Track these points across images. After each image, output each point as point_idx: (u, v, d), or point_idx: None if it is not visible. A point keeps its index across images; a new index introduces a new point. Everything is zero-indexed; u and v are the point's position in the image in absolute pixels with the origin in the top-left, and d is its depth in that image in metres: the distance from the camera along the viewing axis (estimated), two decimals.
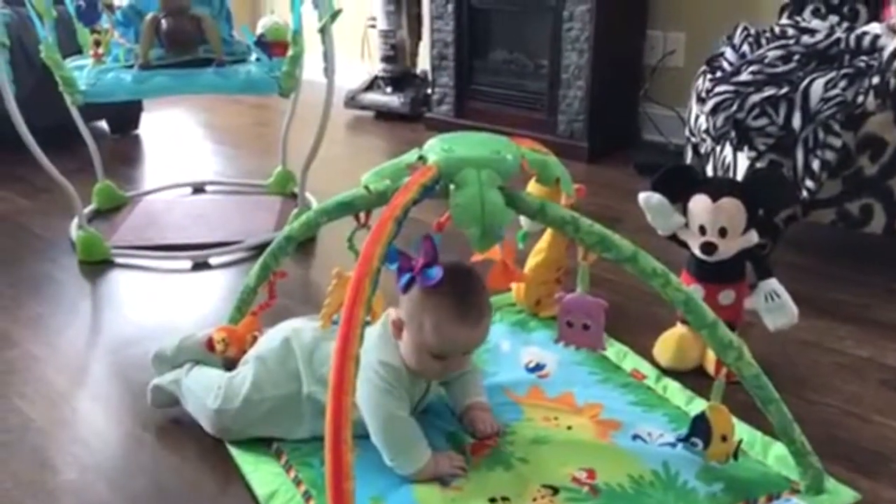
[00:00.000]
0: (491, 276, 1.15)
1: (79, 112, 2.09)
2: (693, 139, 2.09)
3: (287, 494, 1.10)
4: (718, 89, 1.78)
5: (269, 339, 1.27)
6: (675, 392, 1.35)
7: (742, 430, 1.20)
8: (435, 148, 1.08)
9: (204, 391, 1.24)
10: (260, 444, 1.21)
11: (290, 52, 1.84)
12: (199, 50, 1.90)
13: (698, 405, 1.28)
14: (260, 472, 1.15)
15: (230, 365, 1.30)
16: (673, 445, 1.19)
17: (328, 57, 1.85)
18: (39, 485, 1.16)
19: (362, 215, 1.22)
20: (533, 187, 1.42)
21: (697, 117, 1.99)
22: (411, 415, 1.15)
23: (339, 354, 0.90)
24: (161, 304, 1.75)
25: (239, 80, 1.86)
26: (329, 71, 1.86)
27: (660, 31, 2.91)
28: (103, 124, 3.12)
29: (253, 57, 2.02)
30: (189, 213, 2.25)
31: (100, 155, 2.27)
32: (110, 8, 2.01)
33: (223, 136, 3.26)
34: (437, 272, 1.03)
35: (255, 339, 1.31)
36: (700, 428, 1.13)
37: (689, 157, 2.16)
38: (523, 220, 1.58)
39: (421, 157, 1.09)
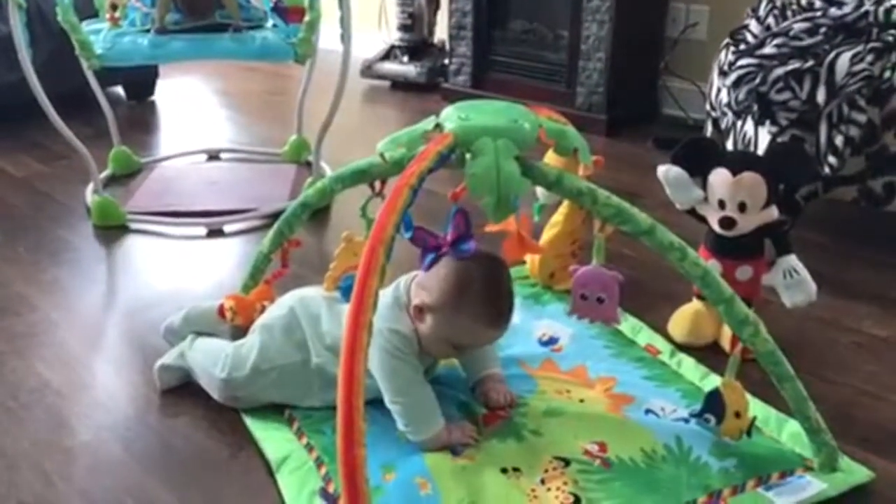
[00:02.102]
0: (506, 247, 1.13)
1: (95, 78, 2.09)
2: (714, 114, 2.06)
3: (299, 460, 1.10)
4: (741, 62, 1.75)
5: (276, 307, 1.27)
6: (690, 368, 1.34)
7: (756, 407, 1.19)
8: (452, 116, 1.07)
9: (211, 361, 1.24)
10: (272, 410, 1.22)
11: (306, 18, 1.81)
12: (216, 15, 1.88)
13: (713, 381, 1.27)
14: (272, 437, 1.16)
15: (238, 335, 1.30)
16: (686, 421, 1.18)
17: (344, 23, 1.83)
18: (56, 445, 1.17)
19: (377, 184, 1.22)
20: (550, 157, 1.40)
21: (719, 91, 1.95)
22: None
23: (352, 322, 0.89)
24: (175, 270, 1.76)
25: (255, 46, 1.85)
26: (346, 38, 1.84)
27: (682, 3, 2.86)
28: (120, 90, 3.11)
29: (270, 23, 1.99)
30: (204, 180, 2.25)
31: (116, 121, 2.26)
32: None
33: (239, 103, 3.25)
34: (470, 245, 1.04)
35: (263, 308, 1.31)
36: (714, 404, 1.12)
37: (709, 131, 2.13)
38: (539, 191, 1.57)
39: (437, 125, 1.08)
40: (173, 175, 2.31)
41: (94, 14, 2.04)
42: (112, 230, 1.92)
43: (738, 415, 1.11)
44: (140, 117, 2.97)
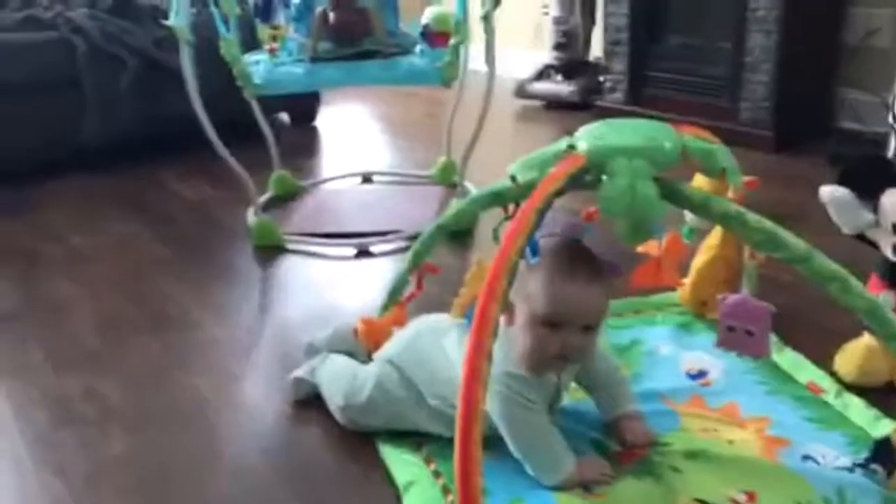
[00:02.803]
0: (637, 271, 1.07)
1: (261, 105, 2.22)
2: None
3: (425, 485, 1.09)
4: None
5: (401, 337, 1.26)
6: (858, 410, 1.20)
7: None
8: (586, 136, 1.02)
9: (334, 383, 1.26)
10: (403, 434, 1.21)
11: (451, 42, 1.83)
12: (365, 42, 1.94)
13: (885, 427, 1.13)
14: (400, 460, 1.15)
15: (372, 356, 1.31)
16: (850, 470, 1.06)
17: (489, 45, 1.82)
18: (209, 459, 1.23)
19: (511, 206, 1.19)
20: (699, 180, 1.32)
21: None
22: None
23: (472, 350, 0.87)
24: (325, 290, 1.81)
25: (402, 71, 1.89)
26: (489, 59, 1.84)
27: (862, 8, 2.62)
28: (285, 116, 3.30)
29: (418, 48, 2.03)
30: (356, 202, 2.32)
31: (277, 146, 2.39)
32: (287, 4, 2.10)
33: (396, 127, 3.34)
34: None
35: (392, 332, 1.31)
36: (883, 453, 1.00)
37: (892, 146, 1.93)
38: (688, 214, 1.47)
39: (570, 146, 1.04)
40: (328, 197, 2.41)
41: (257, 46, 2.17)
42: (271, 250, 2.02)
43: None
44: (302, 142, 3.12)
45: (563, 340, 1.04)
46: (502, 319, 1.09)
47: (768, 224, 0.96)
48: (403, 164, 2.75)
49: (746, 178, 1.20)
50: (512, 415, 1.07)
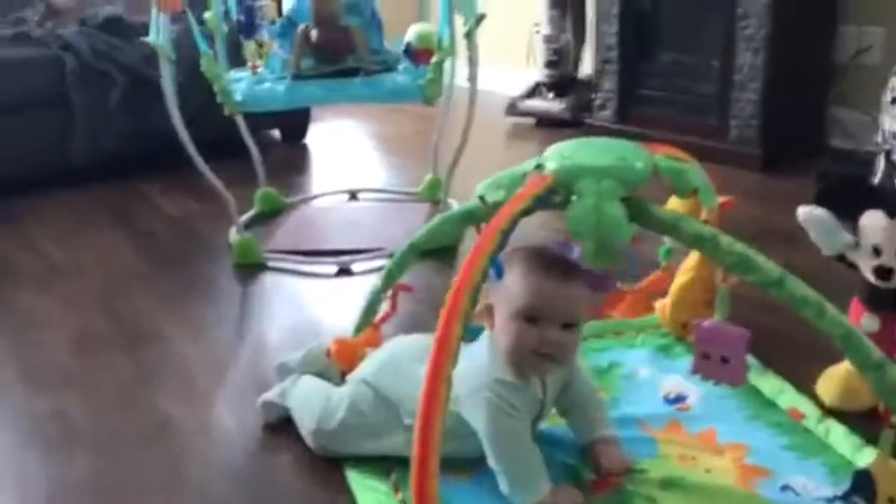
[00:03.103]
0: (606, 300, 1.04)
1: (252, 123, 2.22)
2: (886, 146, 1.84)
3: None
4: None
5: (375, 358, 1.23)
6: (840, 437, 1.17)
7: None
8: (554, 155, 1.00)
9: (305, 406, 1.23)
10: (372, 461, 1.18)
11: (433, 60, 1.81)
12: (348, 59, 1.93)
13: (868, 455, 1.09)
14: (366, 488, 1.12)
15: (345, 377, 1.28)
16: (830, 502, 1.02)
17: (472, 62, 1.81)
18: (172, 483, 1.19)
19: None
20: (674, 201, 1.29)
21: (892, 121, 1.75)
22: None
23: (431, 376, 0.84)
24: (304, 310, 1.79)
25: (385, 88, 1.87)
26: (472, 76, 1.82)
27: (853, 26, 2.61)
28: (276, 133, 3.28)
29: (401, 66, 2.02)
30: (341, 220, 2.30)
31: (263, 162, 2.37)
32: (273, 21, 2.09)
33: (386, 144, 3.33)
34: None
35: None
36: (862, 484, 0.96)
37: (880, 166, 1.91)
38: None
39: (539, 165, 1.02)
40: (313, 214, 2.38)
41: (242, 63, 2.16)
42: (251, 268, 1.99)
43: (892, 501, 0.94)
44: (291, 159, 3.10)
45: (541, 335, 1.02)
46: (485, 323, 1.08)
47: (740, 247, 0.94)
48: (392, 181, 2.72)
49: (723, 199, 1.18)
50: (498, 423, 1.03)
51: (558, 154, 1.00)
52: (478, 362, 1.06)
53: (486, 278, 0.92)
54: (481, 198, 1.07)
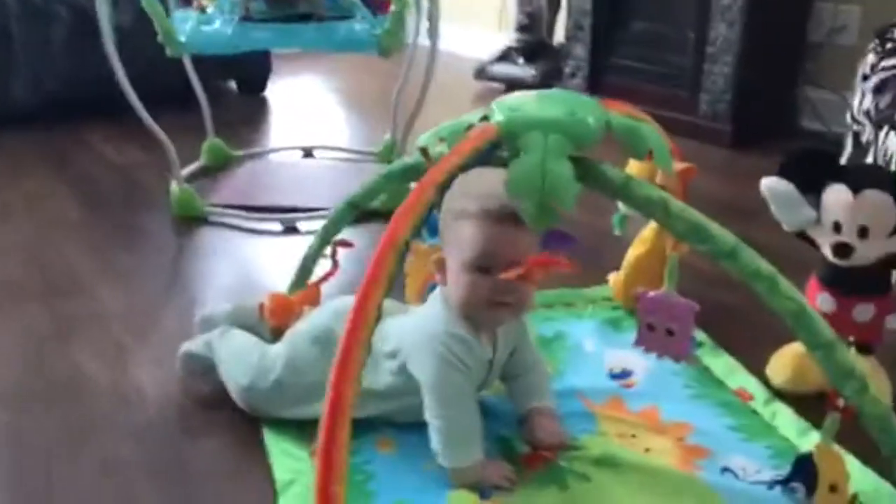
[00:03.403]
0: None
1: (207, 71, 2.13)
2: (855, 126, 1.79)
3: (305, 485, 0.98)
4: (886, 63, 1.49)
5: (314, 315, 1.16)
6: (786, 419, 1.12)
7: (865, 480, 0.97)
8: (502, 106, 0.92)
9: (236, 362, 1.15)
10: (293, 424, 1.10)
11: (391, 9, 1.71)
12: (301, 4, 1.81)
13: (813, 440, 1.04)
14: (284, 455, 1.05)
15: (278, 337, 1.20)
16: (770, 487, 0.97)
17: (432, 17, 1.71)
18: (75, 446, 1.11)
19: None
20: (633, 165, 1.22)
21: (862, 98, 1.69)
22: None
23: (348, 338, 0.77)
24: (243, 266, 1.70)
25: (339, 36, 1.76)
26: (432, 32, 1.73)
27: (829, 3, 2.55)
28: (232, 84, 3.15)
29: (359, 14, 1.91)
30: (291, 177, 2.20)
31: (214, 114, 2.26)
32: None
33: (348, 101, 3.21)
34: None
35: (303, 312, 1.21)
36: (803, 471, 0.91)
37: (848, 146, 1.86)
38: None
39: (485, 117, 0.94)
40: (262, 170, 2.28)
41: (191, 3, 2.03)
42: (192, 222, 1.89)
43: (833, 488, 0.89)
44: (248, 112, 2.98)
45: (493, 283, 0.96)
46: (437, 278, 1.02)
47: (693, 213, 0.87)
48: (352, 140, 2.62)
49: (681, 165, 1.11)
50: (445, 376, 0.98)
51: (506, 105, 0.92)
52: (429, 317, 1.02)
53: (418, 235, 0.84)
54: (423, 150, 0.98)
